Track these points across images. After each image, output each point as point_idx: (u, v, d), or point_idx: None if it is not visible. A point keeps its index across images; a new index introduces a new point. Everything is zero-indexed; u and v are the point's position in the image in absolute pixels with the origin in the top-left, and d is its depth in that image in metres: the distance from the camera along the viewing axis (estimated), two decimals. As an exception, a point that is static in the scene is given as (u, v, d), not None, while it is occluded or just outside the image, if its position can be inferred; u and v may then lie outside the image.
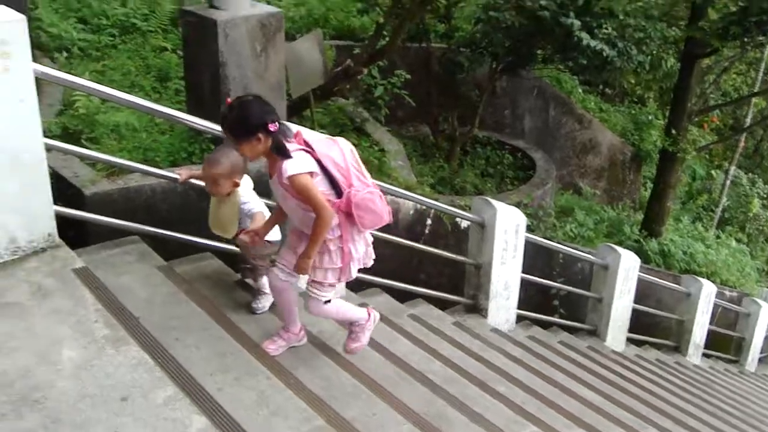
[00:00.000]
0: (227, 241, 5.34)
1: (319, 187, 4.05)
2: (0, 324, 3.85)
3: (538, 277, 8.67)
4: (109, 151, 6.46)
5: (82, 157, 5.76)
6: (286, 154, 4.00)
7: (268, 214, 4.71)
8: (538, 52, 12.62)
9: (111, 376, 3.51)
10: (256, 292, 5.01)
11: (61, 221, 4.68)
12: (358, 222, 4.17)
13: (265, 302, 4.98)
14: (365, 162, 8.54)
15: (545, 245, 8.73)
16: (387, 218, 4.27)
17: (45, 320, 3.89)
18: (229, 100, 4.12)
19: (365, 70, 9.47)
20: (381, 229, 6.98)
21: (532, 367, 6.90)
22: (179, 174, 5.07)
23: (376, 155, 8.90)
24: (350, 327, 4.85)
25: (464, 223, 8.28)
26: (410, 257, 7.95)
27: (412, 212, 7.80)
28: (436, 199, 8.16)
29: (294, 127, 4.26)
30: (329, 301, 4.50)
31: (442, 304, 7.63)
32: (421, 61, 12.32)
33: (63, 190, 5.68)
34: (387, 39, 9.89)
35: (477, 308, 7.73)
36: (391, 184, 8.01)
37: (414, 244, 7.24)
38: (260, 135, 3.96)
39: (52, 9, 9.59)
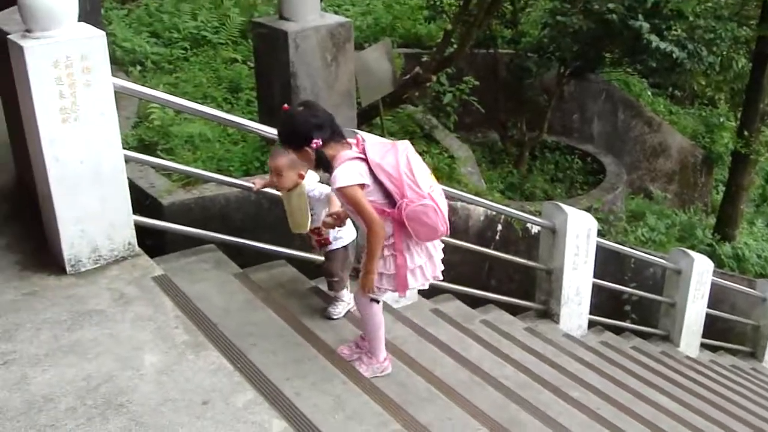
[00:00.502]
0: (302, 249, 5.43)
1: (372, 197, 4.01)
2: (85, 330, 3.98)
3: (610, 282, 8.58)
4: (183, 161, 6.60)
5: (158, 168, 5.89)
6: (327, 169, 4.02)
7: None
8: (606, 55, 12.51)
9: (191, 380, 3.60)
10: (333, 299, 5.05)
11: (140, 230, 4.81)
12: (413, 234, 4.08)
13: (341, 308, 5.02)
14: (435, 169, 8.66)
15: (617, 250, 8.65)
16: (443, 230, 4.12)
17: (127, 327, 4.00)
18: (286, 106, 4.16)
19: (434, 78, 9.49)
20: (451, 235, 7.06)
21: (605, 372, 6.85)
22: (254, 183, 5.14)
23: (446, 162, 8.91)
24: (362, 348, 4.67)
25: (535, 229, 8.25)
26: (481, 263, 7.96)
27: (482, 218, 7.80)
28: (506, 205, 8.15)
29: (361, 134, 4.28)
30: (378, 302, 4.45)
31: (513, 310, 7.61)
32: (488, 66, 12.31)
33: (140, 200, 5.83)
34: (455, 46, 9.90)
35: (548, 314, 7.70)
36: (461, 190, 8.03)
37: (485, 249, 7.26)
38: (307, 148, 4.00)
39: (125, 24, 9.82)
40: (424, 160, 8.45)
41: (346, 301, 4.99)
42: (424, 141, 9.55)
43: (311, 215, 4.73)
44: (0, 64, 4.78)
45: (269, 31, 6.55)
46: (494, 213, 7.92)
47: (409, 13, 12.59)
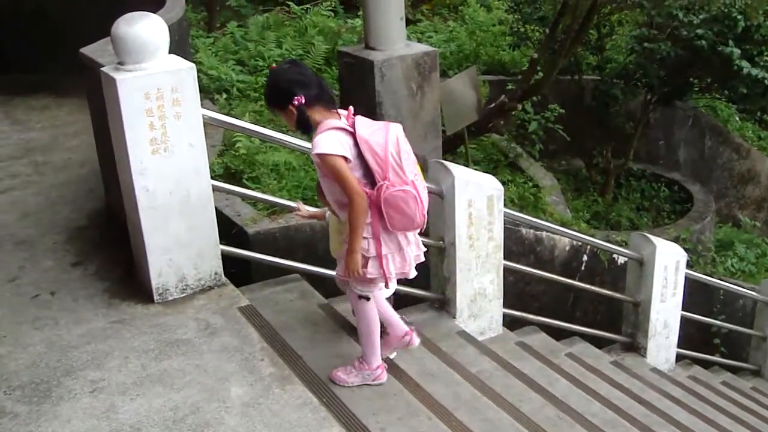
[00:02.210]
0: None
1: (353, 172, 3.77)
2: (172, 360, 3.99)
3: (698, 314, 8.35)
4: (269, 190, 6.63)
5: (244, 197, 5.91)
6: (305, 130, 3.84)
7: None
8: (694, 81, 12.25)
9: (277, 414, 3.57)
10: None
11: (226, 258, 4.83)
12: (387, 220, 3.82)
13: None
14: (520, 198, 8.56)
15: (705, 281, 8.42)
16: (419, 222, 3.86)
17: (213, 357, 4.01)
18: (273, 65, 4.04)
19: (519, 106, 9.41)
20: (536, 266, 6.98)
21: (694, 409, 6.65)
22: (299, 208, 4.78)
23: (531, 191, 8.81)
24: (355, 358, 4.38)
25: (621, 259, 8.07)
26: (566, 294, 7.82)
27: (567, 248, 7.67)
28: (591, 235, 8.01)
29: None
30: (367, 299, 4.12)
31: (599, 342, 7.45)
32: (573, 93, 12.15)
33: (227, 228, 5.86)
34: (540, 74, 9.81)
35: (635, 347, 7.51)
36: (546, 220, 7.92)
37: (570, 281, 7.12)
38: (291, 107, 3.79)
39: (211, 52, 9.96)
40: (508, 188, 8.45)
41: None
42: (509, 169, 9.47)
43: None
44: (93, 93, 4.88)
45: (355, 60, 6.57)
46: (580, 243, 7.79)
47: (492, 40, 12.53)
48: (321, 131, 3.78)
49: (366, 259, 3.92)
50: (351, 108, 3.91)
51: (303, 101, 3.76)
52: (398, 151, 3.76)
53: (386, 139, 3.75)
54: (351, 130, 3.78)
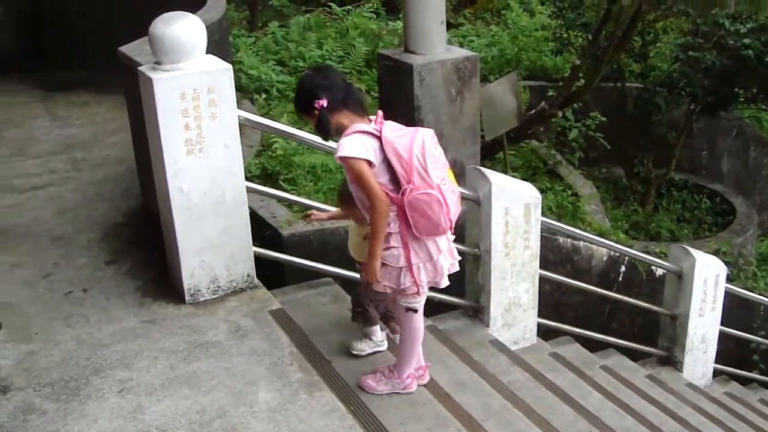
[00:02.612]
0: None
1: (379, 179, 3.68)
2: (201, 362, 3.98)
3: (736, 329, 8.19)
4: (305, 192, 6.62)
5: (279, 199, 5.89)
6: (323, 134, 3.78)
7: None
8: (740, 92, 12.04)
9: (304, 421, 3.54)
10: (363, 333, 4.57)
11: (259, 260, 4.81)
12: (413, 225, 3.72)
13: (365, 346, 4.53)
14: (558, 206, 8.46)
15: (746, 296, 8.27)
16: (444, 227, 3.74)
17: (242, 361, 3.99)
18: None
19: (560, 113, 9.31)
20: (571, 277, 6.88)
21: (729, 427, 6.53)
22: (311, 215, 4.71)
23: (570, 200, 8.71)
24: (386, 366, 4.29)
25: (659, 271, 7.95)
26: (602, 305, 7.71)
27: (605, 259, 7.56)
28: (630, 246, 7.90)
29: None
30: (415, 311, 4.03)
31: (634, 355, 7.34)
32: (615, 101, 12.00)
33: (261, 230, 5.84)
34: (582, 80, 9.69)
35: (671, 361, 7.39)
36: (584, 229, 7.83)
37: (606, 292, 7.02)
38: (315, 110, 3.72)
39: (252, 52, 9.97)
40: (546, 196, 8.36)
41: (376, 341, 4.56)
42: (548, 177, 9.37)
43: None
44: (130, 92, 4.88)
45: (395, 63, 6.52)
46: (618, 254, 7.67)
47: (534, 45, 12.42)
48: (346, 134, 3.72)
49: (398, 269, 3.84)
50: (380, 112, 3.84)
51: (325, 105, 3.71)
52: (423, 153, 3.66)
53: (411, 141, 3.67)
54: (378, 134, 3.71)
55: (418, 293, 3.94)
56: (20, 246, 5.32)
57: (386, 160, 3.68)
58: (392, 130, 3.72)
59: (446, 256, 3.93)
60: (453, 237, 4.02)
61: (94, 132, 7.61)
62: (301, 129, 5.17)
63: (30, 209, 5.90)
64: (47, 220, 5.69)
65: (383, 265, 3.83)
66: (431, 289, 4.05)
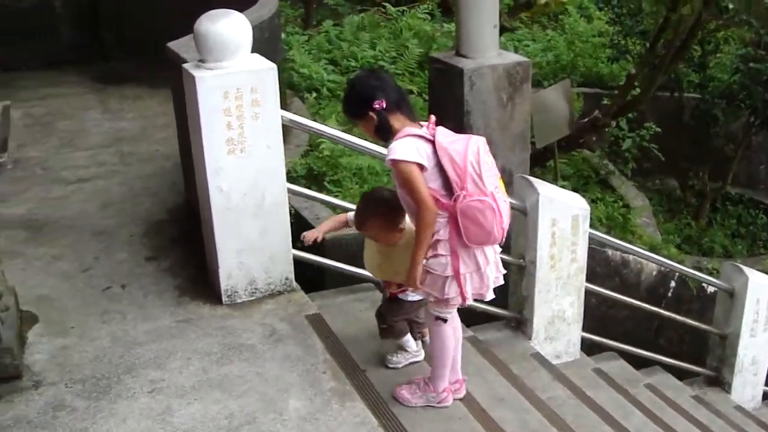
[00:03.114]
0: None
1: (431, 184, 3.59)
2: (233, 366, 3.93)
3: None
4: (350, 194, 6.55)
5: (322, 202, 5.81)
6: (385, 136, 3.66)
7: None
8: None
9: (334, 432, 3.47)
10: (398, 346, 4.46)
11: (300, 261, 4.74)
12: (464, 233, 3.59)
13: (401, 358, 4.43)
14: (608, 218, 8.30)
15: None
16: (496, 236, 3.63)
17: (275, 366, 3.93)
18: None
19: (614, 122, 9.14)
20: (619, 291, 6.72)
21: (779, 452, 6.33)
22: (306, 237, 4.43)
23: (621, 211, 8.54)
24: (420, 378, 4.16)
25: (711, 288, 7.75)
26: (650, 320, 7.54)
27: (654, 273, 7.39)
28: (681, 261, 7.71)
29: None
30: (445, 320, 3.89)
31: (681, 374, 7.16)
32: (671, 111, 11.76)
33: (304, 231, 5.78)
34: (638, 89, 9.50)
35: (719, 382, 7.20)
36: (634, 242, 7.66)
37: (655, 308, 6.85)
38: (371, 113, 3.64)
39: (305, 50, 9.93)
40: (596, 207, 8.20)
41: (411, 352, 4.44)
42: (599, 187, 9.21)
43: None
44: (176, 88, 4.85)
45: (445, 66, 6.42)
46: (668, 269, 7.49)
47: (591, 51, 12.22)
48: (398, 137, 3.63)
49: (444, 278, 3.72)
50: (433, 117, 3.75)
51: (384, 105, 3.63)
52: (478, 161, 3.57)
53: (466, 148, 3.57)
54: (431, 138, 3.61)
55: (464, 303, 3.81)
56: (63, 238, 5.32)
57: (438, 165, 3.59)
58: (445, 136, 3.64)
59: (492, 267, 3.81)
60: (500, 249, 3.90)
61: (143, 126, 7.62)
62: (346, 132, 5.10)
63: (75, 202, 5.92)
64: (91, 214, 5.70)
65: (428, 272, 3.73)
66: (474, 300, 3.94)
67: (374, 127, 3.70)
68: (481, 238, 3.63)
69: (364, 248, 4.26)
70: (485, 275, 3.76)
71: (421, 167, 3.57)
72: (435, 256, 3.70)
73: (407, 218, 3.94)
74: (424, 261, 3.72)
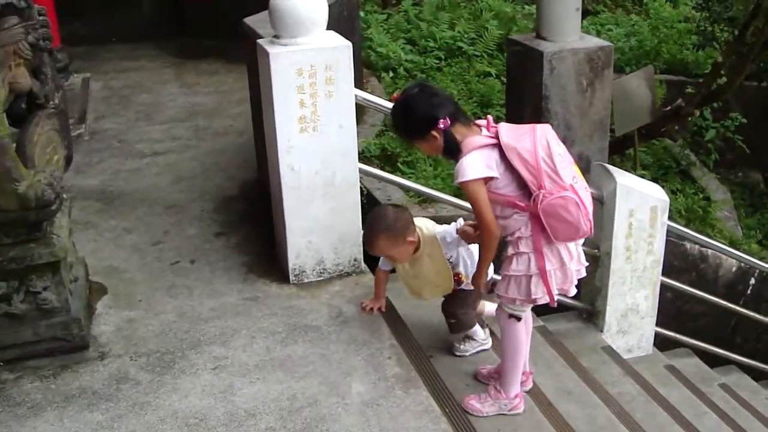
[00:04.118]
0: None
1: (505, 189, 3.43)
2: (298, 346, 3.90)
3: None
4: (423, 176, 6.46)
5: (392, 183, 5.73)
6: (455, 155, 3.45)
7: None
8: None
9: (396, 419, 3.40)
10: (466, 336, 4.29)
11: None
12: (550, 232, 3.43)
13: (468, 346, 4.28)
14: (687, 210, 8.06)
15: None
16: (585, 230, 3.45)
17: (340, 348, 3.88)
18: (396, 95, 3.68)
19: (697, 112, 8.85)
20: (696, 286, 6.51)
21: None
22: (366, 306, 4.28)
23: (701, 204, 8.28)
24: (491, 385, 3.93)
25: (793, 287, 7.48)
26: (727, 318, 7.28)
27: (734, 269, 7.13)
28: (762, 258, 7.44)
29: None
30: (518, 319, 3.71)
31: (757, 375, 6.94)
32: (758, 102, 11.36)
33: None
34: (724, 78, 9.18)
35: (798, 384, 6.96)
36: (714, 236, 7.43)
37: (732, 305, 6.62)
38: (434, 132, 3.43)
39: (383, 29, 9.83)
40: (676, 199, 7.97)
41: (479, 340, 4.30)
42: (679, 178, 8.95)
43: (450, 264, 3.99)
44: (252, 64, 4.82)
45: (524, 49, 6.27)
46: (748, 265, 7.24)
47: (676, 37, 11.85)
48: (464, 154, 3.43)
49: (528, 277, 3.56)
50: (490, 117, 3.58)
51: (449, 124, 3.43)
52: (549, 154, 3.38)
53: (534, 143, 3.39)
54: (495, 141, 3.44)
55: (552, 302, 3.63)
56: (135, 211, 5.36)
57: (510, 168, 3.42)
58: (510, 134, 3.44)
59: (575, 261, 3.63)
60: (582, 242, 3.71)
61: (219, 101, 7.65)
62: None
63: (148, 175, 5.96)
64: (163, 188, 5.73)
65: (510, 276, 3.58)
66: None
67: (442, 147, 3.50)
68: (570, 233, 3.47)
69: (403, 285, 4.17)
70: (569, 270, 3.59)
71: (491, 179, 3.42)
72: (517, 254, 3.54)
73: (417, 230, 3.88)
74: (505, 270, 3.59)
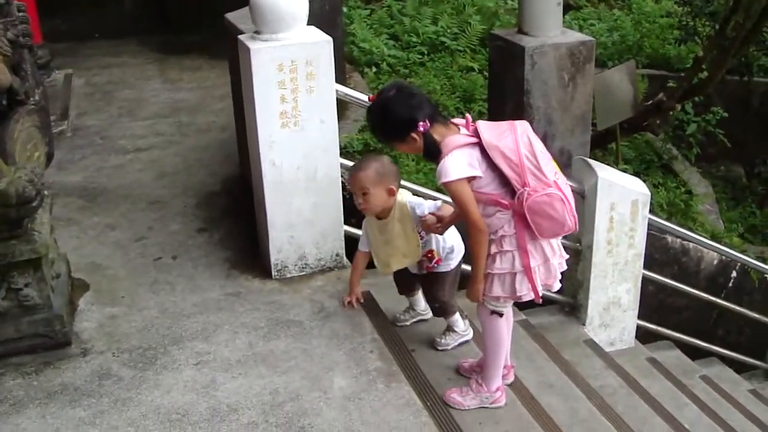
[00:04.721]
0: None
1: (488, 188, 3.40)
2: (280, 341, 3.91)
3: None
4: (405, 171, 6.47)
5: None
6: (435, 157, 3.42)
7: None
8: None
9: (377, 413, 3.42)
10: (447, 328, 4.29)
11: (353, 238, 4.68)
12: (535, 229, 3.41)
13: (450, 340, 4.26)
14: (669, 204, 8.10)
15: None
16: (570, 225, 3.42)
17: (322, 343, 3.90)
18: (372, 96, 3.65)
19: (679, 106, 8.89)
20: (678, 279, 6.55)
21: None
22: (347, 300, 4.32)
23: (682, 198, 8.31)
24: (472, 378, 3.91)
25: (773, 280, 7.54)
26: (708, 310, 7.35)
27: (715, 262, 7.19)
28: (743, 251, 7.49)
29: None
30: (500, 314, 3.70)
31: (739, 367, 6.99)
32: (739, 96, 11.43)
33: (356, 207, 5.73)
34: (705, 73, 9.23)
35: (780, 376, 7.02)
36: (696, 230, 7.48)
37: (714, 299, 6.68)
38: (413, 135, 3.39)
39: (366, 24, 9.83)
40: (657, 192, 8.00)
41: (460, 332, 4.30)
42: (661, 172, 8.98)
43: (421, 238, 3.93)
44: (233, 60, 4.82)
45: (506, 44, 6.28)
46: (729, 258, 7.29)
47: (658, 32, 11.89)
48: (445, 154, 3.40)
49: (512, 275, 3.56)
50: (468, 116, 3.54)
51: (428, 126, 3.40)
52: (532, 151, 3.36)
53: (516, 141, 3.35)
54: (475, 140, 3.41)
55: (537, 299, 3.63)
56: (118, 208, 5.36)
57: (492, 166, 3.39)
58: (490, 132, 3.41)
59: (558, 256, 3.63)
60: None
61: (202, 96, 7.64)
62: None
63: (131, 171, 5.95)
64: (146, 184, 5.73)
65: (494, 275, 3.56)
66: None
67: (422, 150, 3.46)
68: (555, 230, 3.46)
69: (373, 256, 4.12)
70: (552, 265, 3.59)
71: (474, 178, 3.40)
72: (501, 252, 3.53)
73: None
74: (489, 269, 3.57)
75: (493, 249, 3.55)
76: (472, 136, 3.42)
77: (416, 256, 3.97)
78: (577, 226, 3.53)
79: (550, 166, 3.42)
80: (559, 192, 3.38)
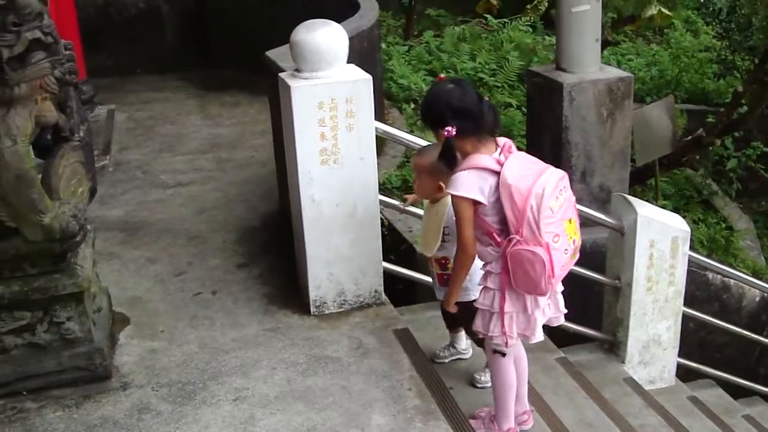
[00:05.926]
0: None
1: (489, 217, 3.40)
2: (318, 377, 3.90)
3: None
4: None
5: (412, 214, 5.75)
6: (448, 164, 3.45)
7: None
8: None
9: (416, 451, 3.40)
10: (485, 366, 4.25)
11: (391, 275, 4.69)
12: (511, 277, 3.40)
13: (488, 378, 4.13)
14: (710, 240, 8.03)
15: None
16: (544, 289, 3.39)
17: (360, 380, 3.88)
18: (442, 76, 3.69)
19: (719, 141, 8.84)
20: (719, 316, 6.48)
21: None
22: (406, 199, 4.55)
23: (723, 233, 8.26)
24: (488, 417, 3.95)
25: (817, 318, 7.41)
26: (750, 348, 7.24)
27: (757, 299, 7.10)
28: (786, 288, 7.39)
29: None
30: (503, 354, 3.70)
31: (783, 406, 6.87)
32: (780, 130, 11.36)
33: (396, 243, 5.74)
34: (745, 106, 9.18)
35: (824, 415, 6.87)
36: (737, 266, 7.39)
37: (756, 336, 6.58)
38: (441, 131, 3.39)
39: (404, 61, 9.92)
40: (698, 228, 7.93)
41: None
42: (701, 207, 8.92)
43: (444, 242, 3.94)
44: (274, 96, 4.87)
45: (544, 81, 6.31)
46: (772, 295, 7.20)
47: (697, 66, 11.87)
48: (464, 167, 3.41)
49: (490, 314, 3.57)
50: (509, 141, 3.53)
51: (454, 134, 3.38)
52: (539, 205, 3.29)
53: (531, 188, 3.30)
54: (498, 168, 3.38)
55: (506, 344, 3.61)
56: (158, 242, 5.41)
57: (500, 199, 3.38)
58: (516, 168, 3.38)
59: (544, 311, 3.59)
60: (561, 289, 3.68)
61: (241, 132, 7.72)
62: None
63: (172, 206, 6.01)
64: (186, 218, 5.78)
65: (478, 309, 3.61)
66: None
67: (441, 151, 3.49)
68: (528, 286, 3.43)
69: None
70: (532, 317, 3.55)
71: (478, 203, 3.40)
72: (485, 288, 3.57)
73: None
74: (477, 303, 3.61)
75: (481, 282, 3.61)
76: (498, 163, 3.40)
77: (429, 251, 4.02)
78: (549, 292, 3.49)
79: (553, 228, 3.35)
80: (545, 255, 3.32)
